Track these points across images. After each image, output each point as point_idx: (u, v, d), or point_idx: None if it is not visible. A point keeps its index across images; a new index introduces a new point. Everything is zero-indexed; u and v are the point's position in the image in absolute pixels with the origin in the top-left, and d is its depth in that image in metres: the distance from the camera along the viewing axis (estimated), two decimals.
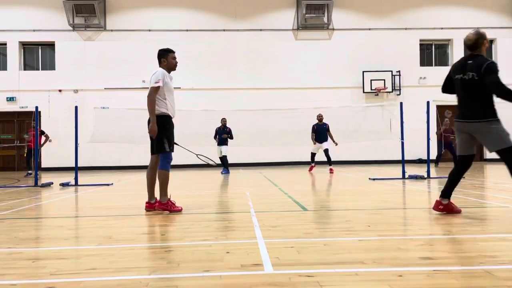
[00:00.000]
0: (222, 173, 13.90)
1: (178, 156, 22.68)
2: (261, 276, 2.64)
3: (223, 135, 14.10)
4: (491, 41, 20.59)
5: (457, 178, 4.82)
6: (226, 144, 14.17)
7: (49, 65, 20.07)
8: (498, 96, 4.48)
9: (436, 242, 3.60)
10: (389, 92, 19.81)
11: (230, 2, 20.04)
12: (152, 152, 5.57)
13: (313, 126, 13.77)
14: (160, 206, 5.39)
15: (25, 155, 15.56)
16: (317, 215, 4.96)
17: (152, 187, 5.53)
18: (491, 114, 4.55)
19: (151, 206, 5.48)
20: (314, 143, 13.91)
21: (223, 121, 14.28)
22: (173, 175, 15.10)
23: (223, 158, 14.11)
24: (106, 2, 19.74)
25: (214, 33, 19.85)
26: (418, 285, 2.43)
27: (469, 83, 4.61)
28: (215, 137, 14.29)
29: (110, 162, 19.29)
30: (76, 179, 10.05)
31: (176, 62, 5.67)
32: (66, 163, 18.08)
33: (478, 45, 4.67)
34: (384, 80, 19.67)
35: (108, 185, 10.03)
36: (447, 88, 5.03)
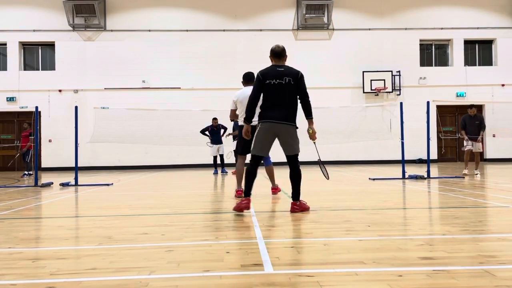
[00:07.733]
0: (222, 173, 13.91)
1: (178, 156, 22.47)
2: (261, 276, 2.64)
3: (218, 135, 14.12)
4: (491, 41, 20.61)
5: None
6: (222, 143, 14.20)
7: (49, 65, 20.07)
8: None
9: (436, 242, 3.59)
10: (389, 92, 19.80)
11: (230, 2, 20.04)
12: (247, 152, 5.90)
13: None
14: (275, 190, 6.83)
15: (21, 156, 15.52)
16: (317, 215, 4.96)
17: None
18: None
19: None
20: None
21: (215, 121, 14.19)
22: (173, 175, 14.99)
23: (221, 157, 14.14)
24: (106, 2, 19.74)
25: (214, 33, 19.84)
26: (418, 285, 2.43)
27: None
28: (203, 132, 14.27)
29: (110, 162, 19.30)
30: (76, 179, 10.05)
31: None
32: (66, 163, 18.10)
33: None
34: (384, 80, 19.66)
35: (108, 185, 10.03)
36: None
